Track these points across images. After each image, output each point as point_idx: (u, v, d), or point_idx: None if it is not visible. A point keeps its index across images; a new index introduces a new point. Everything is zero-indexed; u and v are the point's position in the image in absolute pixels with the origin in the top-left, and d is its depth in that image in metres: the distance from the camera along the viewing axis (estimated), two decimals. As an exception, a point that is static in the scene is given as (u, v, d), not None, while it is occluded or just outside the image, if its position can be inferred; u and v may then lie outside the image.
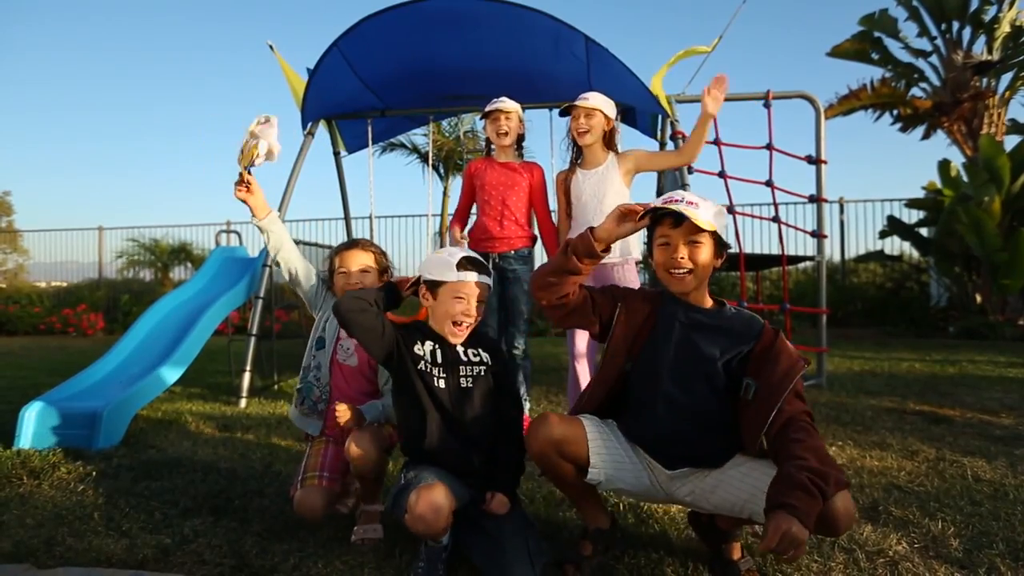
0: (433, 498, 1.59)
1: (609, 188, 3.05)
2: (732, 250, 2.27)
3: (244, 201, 2.10)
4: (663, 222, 1.68)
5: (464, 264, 1.82)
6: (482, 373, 1.87)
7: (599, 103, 3.03)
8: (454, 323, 1.83)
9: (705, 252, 1.67)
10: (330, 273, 2.25)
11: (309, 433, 2.21)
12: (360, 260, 2.18)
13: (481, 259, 1.90)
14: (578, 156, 3.20)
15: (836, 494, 1.39)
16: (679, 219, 1.64)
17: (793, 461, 1.41)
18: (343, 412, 1.89)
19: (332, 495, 2.01)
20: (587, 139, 3.06)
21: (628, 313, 1.76)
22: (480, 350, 1.90)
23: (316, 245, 5.69)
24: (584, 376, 3.09)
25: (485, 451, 1.83)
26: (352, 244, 2.23)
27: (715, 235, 1.66)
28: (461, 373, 1.84)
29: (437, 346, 1.85)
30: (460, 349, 1.87)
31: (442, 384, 1.81)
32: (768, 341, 1.63)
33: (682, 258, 1.67)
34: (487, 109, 3.24)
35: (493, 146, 3.31)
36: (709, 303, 1.75)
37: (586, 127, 3.04)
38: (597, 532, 1.78)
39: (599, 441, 1.70)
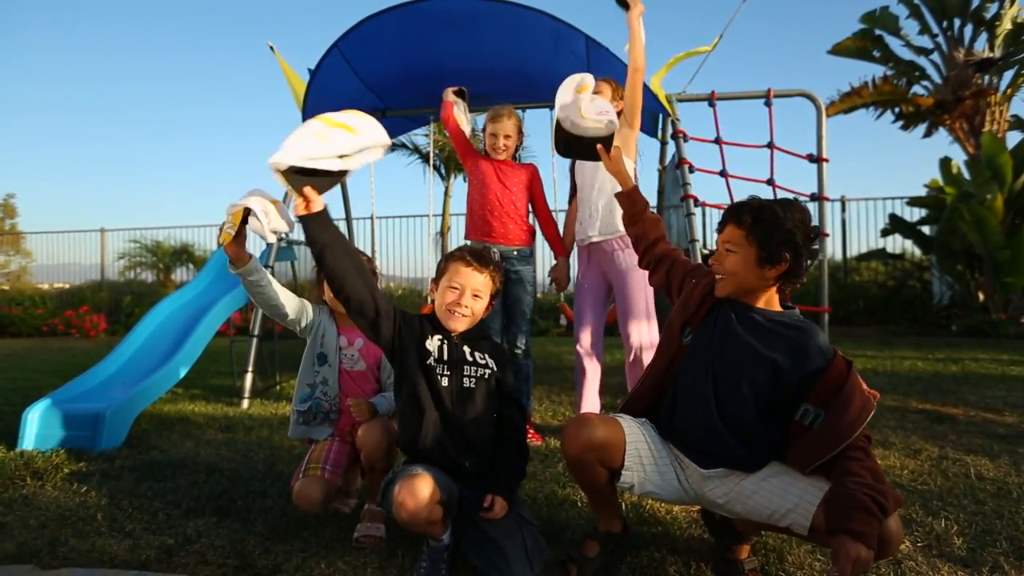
0: (413, 485, 1.59)
1: (606, 175, 3.12)
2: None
3: (225, 250, 1.88)
4: None
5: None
6: (486, 376, 1.85)
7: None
8: (448, 311, 1.84)
9: (735, 260, 1.62)
10: (319, 283, 2.26)
11: (316, 439, 2.20)
12: None
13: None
14: None
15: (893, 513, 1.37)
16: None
17: (851, 478, 1.39)
18: (358, 406, 2.01)
19: (331, 489, 2.01)
20: None
21: (692, 288, 1.76)
22: (486, 354, 1.89)
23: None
24: (590, 373, 3.12)
25: (480, 454, 1.81)
26: None
27: (758, 244, 1.57)
28: (465, 373, 1.82)
29: (444, 343, 1.84)
30: (466, 349, 1.85)
31: (445, 382, 1.80)
32: (840, 374, 1.53)
33: (716, 263, 1.66)
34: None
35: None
36: (775, 309, 1.68)
37: None
38: (608, 535, 1.76)
39: (635, 445, 1.67)
